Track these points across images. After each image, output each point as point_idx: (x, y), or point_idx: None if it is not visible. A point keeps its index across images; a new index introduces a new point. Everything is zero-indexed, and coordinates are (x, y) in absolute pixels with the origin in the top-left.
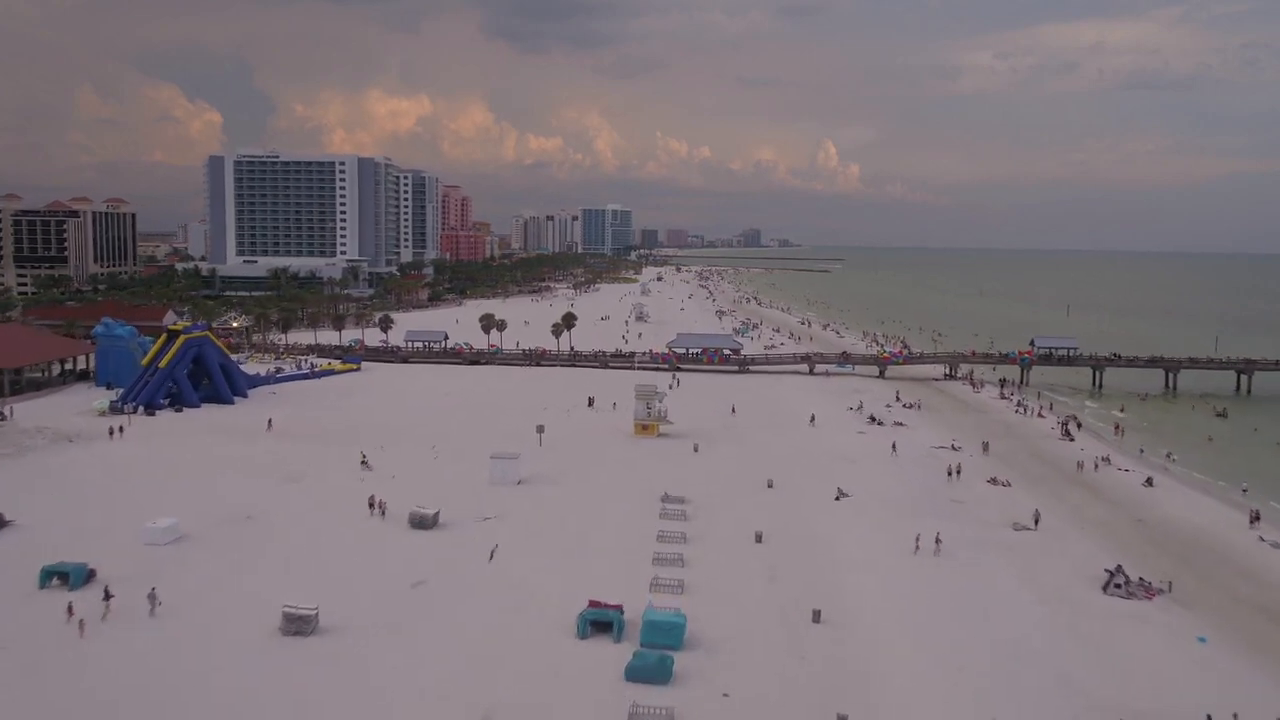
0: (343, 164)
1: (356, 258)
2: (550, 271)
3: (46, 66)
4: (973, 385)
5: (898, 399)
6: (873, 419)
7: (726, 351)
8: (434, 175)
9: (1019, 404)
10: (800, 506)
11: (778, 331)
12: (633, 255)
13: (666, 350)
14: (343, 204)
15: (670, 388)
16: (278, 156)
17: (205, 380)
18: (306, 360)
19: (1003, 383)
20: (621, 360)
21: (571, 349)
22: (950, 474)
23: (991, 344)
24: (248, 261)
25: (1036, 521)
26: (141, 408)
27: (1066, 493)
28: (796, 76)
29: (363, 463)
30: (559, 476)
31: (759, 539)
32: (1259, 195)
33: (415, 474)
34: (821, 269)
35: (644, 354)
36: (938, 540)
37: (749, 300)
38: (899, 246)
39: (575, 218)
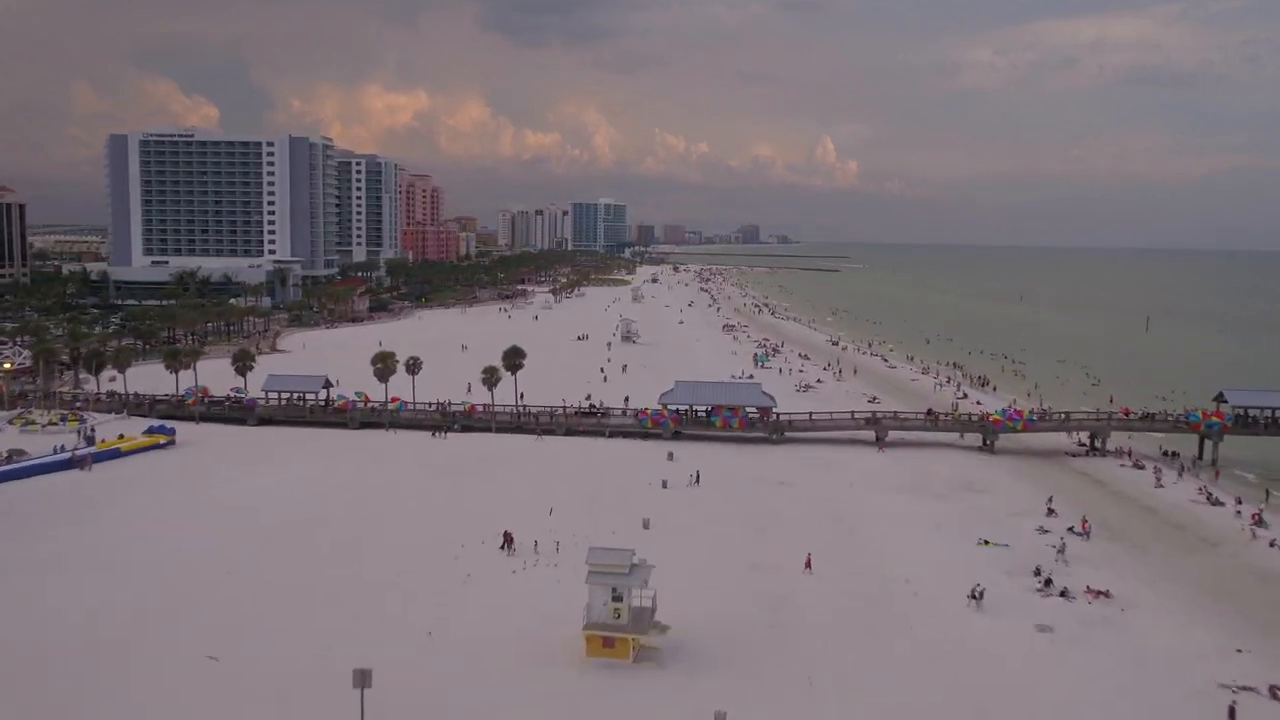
0: (271, 145)
1: (287, 258)
2: (530, 272)
3: (43, 61)
4: (1154, 476)
5: (1050, 511)
6: (1043, 580)
7: (751, 411)
8: (392, 161)
9: (1257, 520)
10: None
11: (807, 359)
12: (627, 253)
13: (660, 409)
14: (271, 193)
15: (664, 485)
16: (192, 136)
17: None
18: (85, 427)
19: (1175, 460)
20: (591, 421)
21: (519, 398)
22: None
23: (1091, 377)
24: (157, 263)
25: None
26: None
27: None
28: (796, 73)
29: None
30: None
31: None
32: (1259, 192)
33: None
34: (830, 268)
35: (624, 411)
36: None
37: (760, 309)
38: (898, 243)
39: (566, 213)
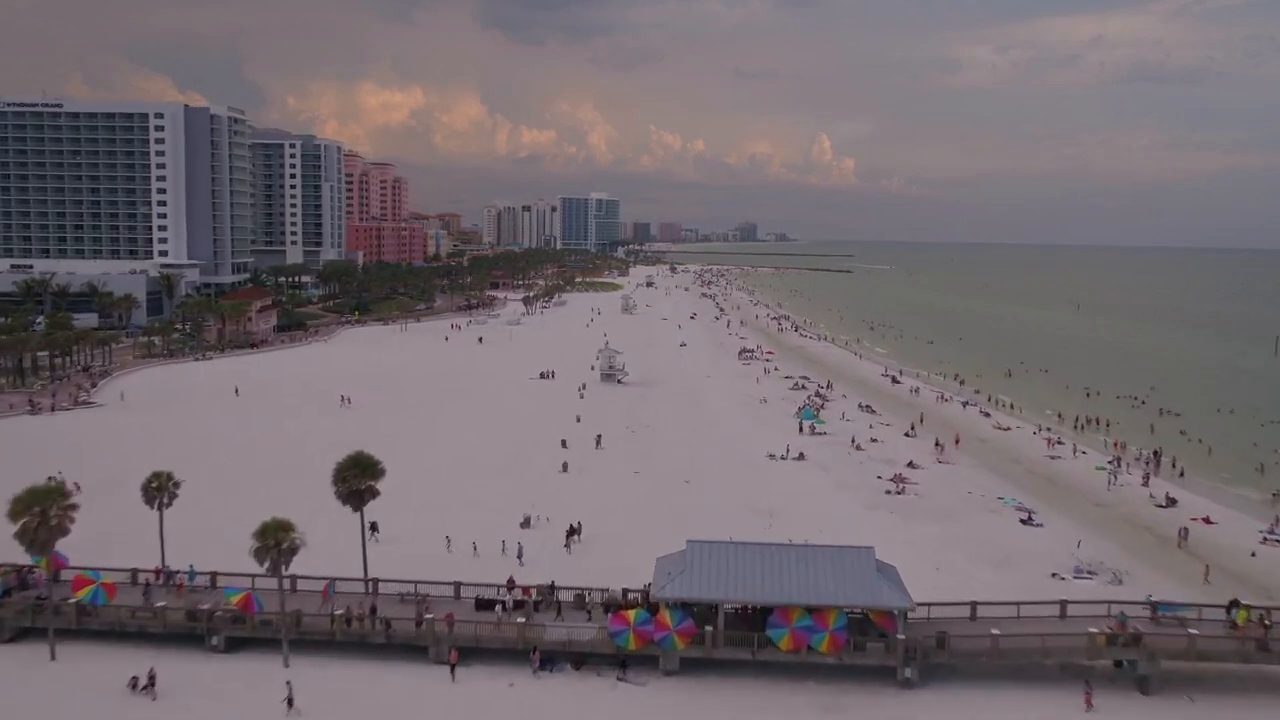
0: (159, 116)
1: (183, 261)
2: (504, 275)
3: (36, 56)
4: None
5: None
6: None
7: (852, 611)
8: (334, 144)
9: None
10: None
11: (871, 412)
12: (620, 252)
13: (655, 607)
14: (161, 178)
15: None
16: (61, 106)
17: None
18: None
19: None
20: (509, 634)
21: (369, 535)
22: None
23: None
24: (17, 266)
25: None
26: None
27: None
28: (793, 69)
29: None
30: None
31: None
32: (1260, 190)
33: None
34: (841, 268)
35: (581, 598)
36: None
37: (780, 323)
38: (895, 241)
39: (554, 209)
